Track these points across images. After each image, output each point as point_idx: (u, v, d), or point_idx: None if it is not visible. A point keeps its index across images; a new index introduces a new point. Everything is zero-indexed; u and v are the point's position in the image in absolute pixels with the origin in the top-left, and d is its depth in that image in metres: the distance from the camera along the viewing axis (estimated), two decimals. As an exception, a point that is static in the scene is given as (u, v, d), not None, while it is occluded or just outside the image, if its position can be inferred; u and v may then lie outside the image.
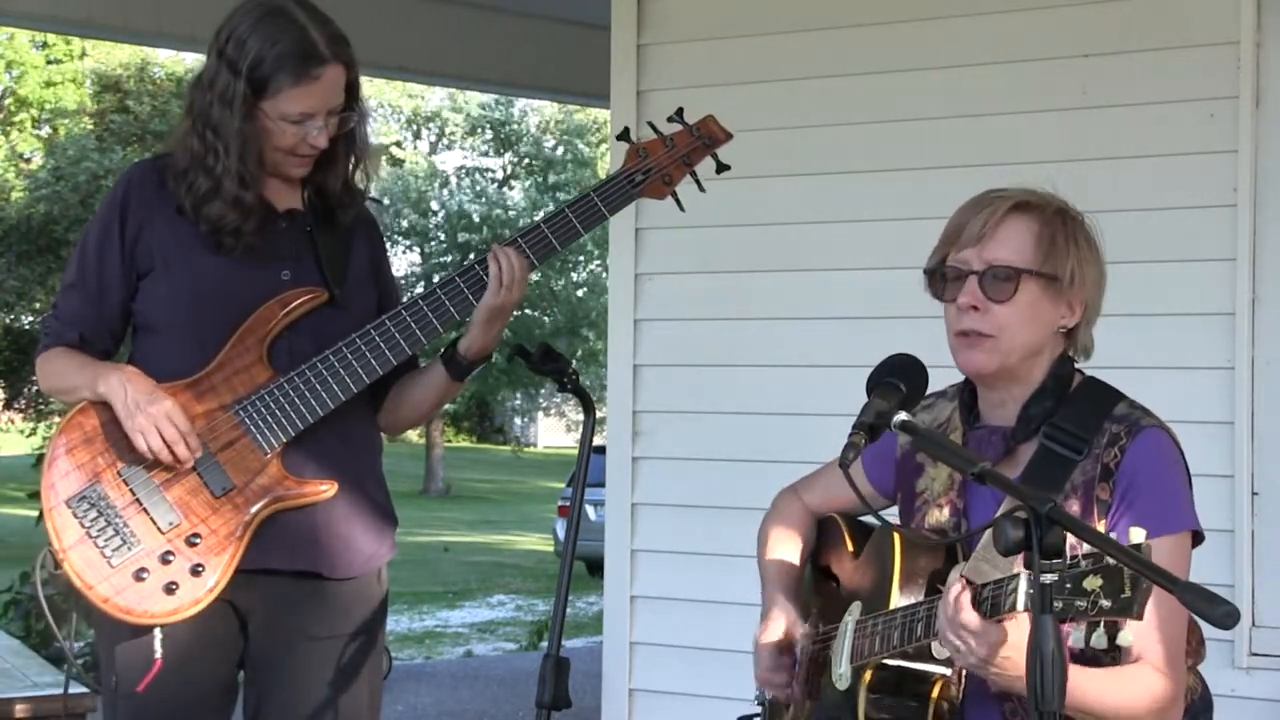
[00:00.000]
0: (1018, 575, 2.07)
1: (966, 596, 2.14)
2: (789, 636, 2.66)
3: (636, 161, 3.01)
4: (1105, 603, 1.95)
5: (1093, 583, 1.95)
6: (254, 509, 2.87)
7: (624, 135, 3.06)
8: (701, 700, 4.71)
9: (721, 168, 3.06)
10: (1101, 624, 2.01)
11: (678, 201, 3.04)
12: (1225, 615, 1.86)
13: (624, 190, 3.00)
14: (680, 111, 3.01)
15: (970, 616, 2.13)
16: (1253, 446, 4.16)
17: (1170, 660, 2.30)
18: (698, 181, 3.05)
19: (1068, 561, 1.97)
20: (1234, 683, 4.05)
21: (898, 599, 2.39)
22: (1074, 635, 2.04)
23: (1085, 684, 2.21)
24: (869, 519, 2.59)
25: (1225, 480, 4.13)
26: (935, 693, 2.35)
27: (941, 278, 2.48)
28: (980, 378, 2.50)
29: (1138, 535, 1.96)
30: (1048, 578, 1.95)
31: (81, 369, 2.92)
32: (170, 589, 2.82)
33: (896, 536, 2.46)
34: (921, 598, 2.37)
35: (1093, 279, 2.47)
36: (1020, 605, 2.05)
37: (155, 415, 2.80)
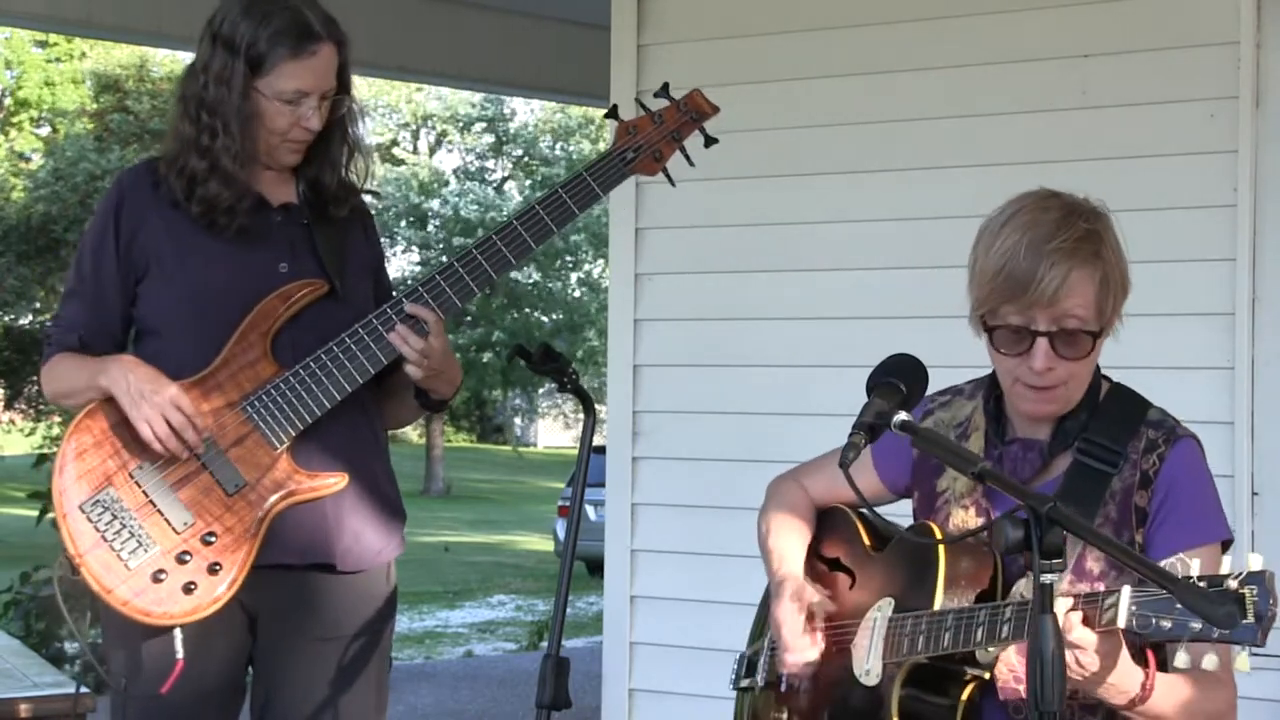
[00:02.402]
0: (1118, 590, 2.08)
1: (1078, 614, 2.13)
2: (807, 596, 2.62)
3: (626, 139, 3.02)
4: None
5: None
6: (267, 504, 2.87)
7: (613, 113, 3.07)
8: (701, 700, 4.71)
9: (710, 141, 3.07)
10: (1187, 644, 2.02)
11: (669, 177, 3.06)
12: (1226, 615, 1.87)
13: (616, 168, 3.01)
14: (666, 87, 3.03)
15: (1085, 633, 2.12)
16: (1253, 446, 4.16)
17: (1226, 664, 2.28)
18: (687, 156, 3.06)
19: (1195, 579, 1.98)
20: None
21: (941, 600, 2.37)
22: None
23: (1171, 696, 2.25)
24: (882, 510, 2.57)
25: (1225, 480, 4.12)
26: (966, 693, 2.35)
27: (1001, 332, 2.40)
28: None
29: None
30: (1048, 578, 1.96)
31: (81, 367, 2.93)
32: (189, 589, 2.82)
33: (939, 536, 2.45)
34: (970, 601, 2.36)
35: (1129, 278, 2.44)
36: (1121, 621, 2.06)
37: (160, 403, 2.81)
